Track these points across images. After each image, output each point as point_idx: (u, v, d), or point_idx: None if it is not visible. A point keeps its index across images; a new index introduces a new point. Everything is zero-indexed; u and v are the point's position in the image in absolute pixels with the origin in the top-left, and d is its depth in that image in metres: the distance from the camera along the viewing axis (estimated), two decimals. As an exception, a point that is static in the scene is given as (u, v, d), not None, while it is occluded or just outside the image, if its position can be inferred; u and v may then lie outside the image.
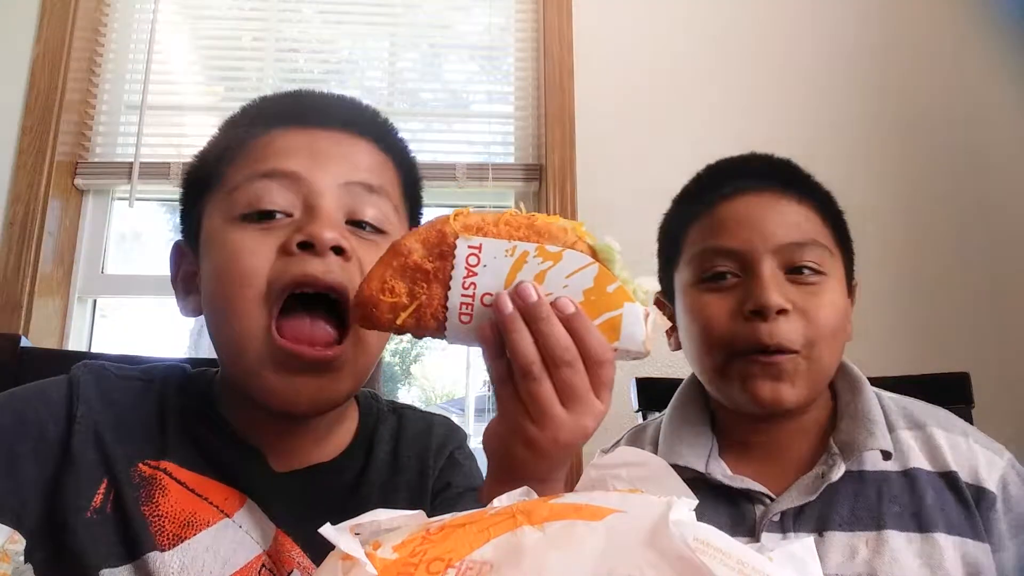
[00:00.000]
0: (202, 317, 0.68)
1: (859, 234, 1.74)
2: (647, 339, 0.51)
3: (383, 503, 0.65)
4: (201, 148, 0.72)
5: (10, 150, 1.63)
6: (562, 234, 0.51)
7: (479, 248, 0.50)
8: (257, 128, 0.66)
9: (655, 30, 1.83)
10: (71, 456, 0.60)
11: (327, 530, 0.33)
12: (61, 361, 1.10)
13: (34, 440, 0.60)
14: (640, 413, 1.14)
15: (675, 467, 0.61)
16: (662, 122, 1.77)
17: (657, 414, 0.95)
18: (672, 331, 0.89)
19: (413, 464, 0.71)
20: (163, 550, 0.59)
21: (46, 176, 1.62)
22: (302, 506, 0.63)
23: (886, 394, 0.83)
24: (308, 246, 0.59)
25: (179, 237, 0.72)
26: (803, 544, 0.31)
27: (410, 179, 0.73)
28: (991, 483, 0.73)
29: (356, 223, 0.64)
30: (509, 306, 0.49)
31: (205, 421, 0.66)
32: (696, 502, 0.28)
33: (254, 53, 1.89)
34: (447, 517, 0.33)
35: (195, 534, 0.60)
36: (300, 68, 1.90)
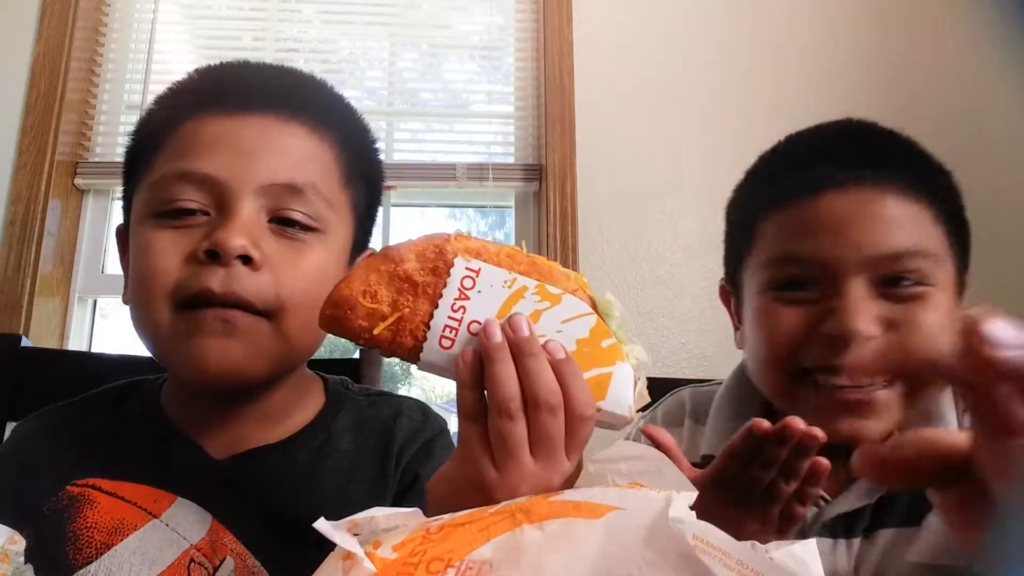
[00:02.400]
0: None
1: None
2: (632, 406, 0.48)
3: (341, 491, 0.64)
4: (135, 126, 0.69)
5: (10, 150, 1.63)
6: (564, 279, 0.48)
7: (477, 272, 0.47)
8: (180, 111, 0.62)
9: (655, 30, 1.83)
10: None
11: (323, 526, 0.32)
12: (61, 361, 1.11)
13: None
14: (639, 413, 1.14)
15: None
16: (662, 122, 1.77)
17: (696, 386, 0.86)
18: (739, 327, 0.78)
19: (377, 453, 0.68)
20: (89, 562, 0.58)
21: (46, 176, 1.62)
22: (237, 492, 0.62)
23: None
24: (214, 255, 0.57)
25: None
26: (804, 545, 0.31)
27: (355, 155, 0.68)
28: None
29: (283, 220, 0.60)
30: (499, 335, 0.45)
31: (147, 426, 0.66)
32: (695, 494, 0.28)
33: (254, 53, 1.88)
34: (447, 516, 0.33)
35: (122, 540, 0.59)
36: (300, 68, 1.90)
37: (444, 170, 1.78)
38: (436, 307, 0.47)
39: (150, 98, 1.70)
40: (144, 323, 0.60)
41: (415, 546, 0.31)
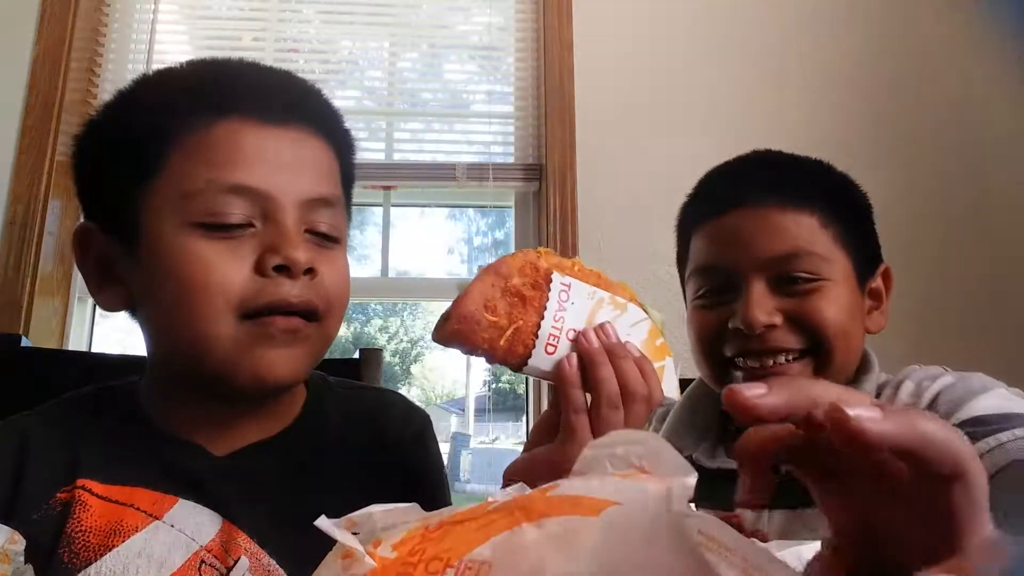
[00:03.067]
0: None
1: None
2: (676, 388, 0.59)
3: (344, 481, 0.65)
4: (111, 107, 0.65)
5: (10, 150, 1.63)
6: (619, 289, 0.58)
7: (569, 287, 0.55)
8: (205, 113, 0.60)
9: (655, 30, 1.83)
10: None
11: (323, 523, 0.32)
12: (61, 361, 1.11)
13: None
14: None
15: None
16: (662, 122, 1.77)
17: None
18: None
19: (371, 443, 0.70)
20: (89, 563, 0.57)
21: (46, 176, 1.62)
22: (245, 488, 0.62)
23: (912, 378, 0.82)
24: (283, 268, 0.59)
25: (82, 218, 0.66)
26: (810, 547, 0.31)
27: (348, 164, 0.70)
28: None
29: (312, 233, 0.63)
30: (596, 341, 0.54)
31: (133, 429, 0.64)
32: (696, 476, 0.28)
33: (254, 53, 1.88)
34: (446, 513, 0.33)
35: (123, 541, 0.58)
36: (300, 68, 1.90)
37: (444, 170, 1.78)
38: (542, 318, 0.54)
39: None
40: (195, 333, 0.58)
41: (414, 544, 0.31)
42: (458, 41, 1.95)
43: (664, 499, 0.28)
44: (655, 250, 1.70)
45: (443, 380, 2.21)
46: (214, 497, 0.61)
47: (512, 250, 1.79)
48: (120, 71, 1.80)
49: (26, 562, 0.56)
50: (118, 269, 0.63)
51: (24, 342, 0.95)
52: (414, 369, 2.22)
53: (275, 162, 0.60)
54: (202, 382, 0.62)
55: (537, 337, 0.54)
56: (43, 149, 1.63)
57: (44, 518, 0.59)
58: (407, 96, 1.92)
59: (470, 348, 0.54)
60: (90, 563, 0.57)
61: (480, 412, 1.87)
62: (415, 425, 0.74)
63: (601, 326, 0.55)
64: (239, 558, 0.59)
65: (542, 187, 1.74)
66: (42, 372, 0.93)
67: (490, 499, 0.34)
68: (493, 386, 1.91)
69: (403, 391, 2.08)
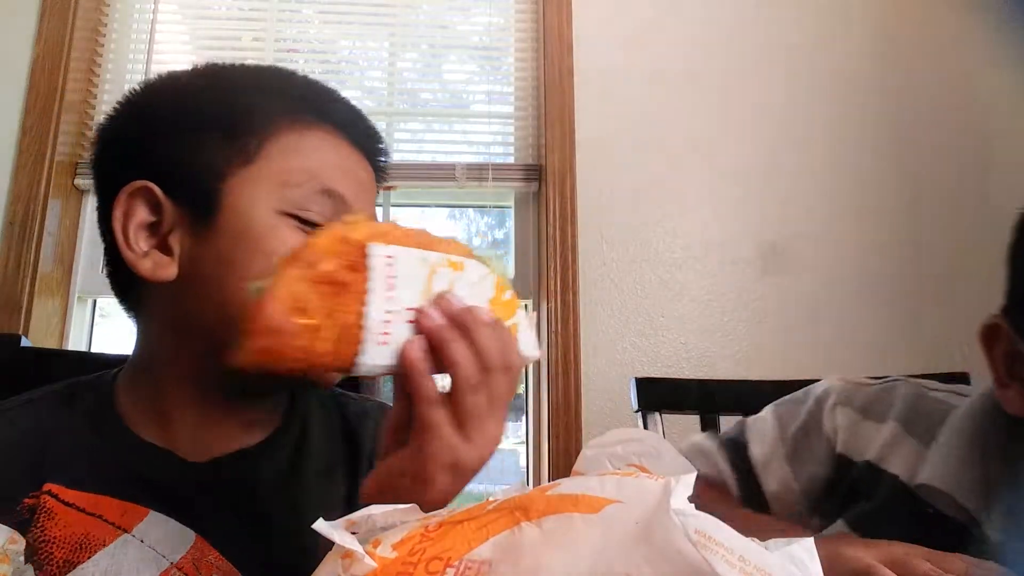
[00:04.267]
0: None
1: (859, 232, 1.75)
2: (537, 343, 0.50)
3: (324, 494, 0.63)
4: (197, 84, 0.66)
5: (10, 150, 1.63)
6: (447, 245, 0.47)
7: (394, 257, 0.44)
8: (307, 115, 0.63)
9: (655, 30, 1.83)
10: None
11: (322, 526, 0.32)
12: (61, 361, 1.10)
13: None
14: (640, 413, 1.14)
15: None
16: (662, 122, 1.77)
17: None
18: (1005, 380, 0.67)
19: (348, 455, 0.68)
20: None
21: (46, 176, 1.62)
22: (220, 502, 0.59)
23: None
24: None
25: (132, 176, 0.61)
26: (803, 545, 0.31)
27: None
28: None
29: None
30: (440, 316, 0.45)
31: (104, 431, 0.61)
32: (694, 476, 0.28)
33: (254, 53, 1.89)
34: (444, 513, 0.33)
35: (89, 557, 0.55)
36: (300, 68, 1.90)
37: (444, 170, 1.78)
38: (366, 303, 0.43)
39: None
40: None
41: (414, 544, 0.31)
42: (458, 41, 1.95)
43: (664, 498, 0.28)
44: (655, 250, 1.70)
45: (441, 380, 2.20)
46: (187, 510, 0.58)
47: (512, 251, 1.80)
48: (120, 71, 1.80)
49: (26, 562, 0.56)
50: (172, 238, 0.60)
51: (24, 342, 0.94)
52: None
53: (356, 179, 0.64)
54: (218, 367, 0.55)
55: (364, 329, 0.43)
56: (43, 149, 1.63)
57: (11, 525, 0.55)
58: (407, 96, 1.92)
59: (284, 366, 0.42)
60: None
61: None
62: None
63: (442, 296, 0.45)
64: None
65: (542, 187, 1.74)
66: (42, 372, 0.93)
67: (490, 499, 0.34)
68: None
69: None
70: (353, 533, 0.33)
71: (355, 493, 0.63)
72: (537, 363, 1.66)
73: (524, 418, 1.71)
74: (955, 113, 1.80)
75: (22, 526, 0.56)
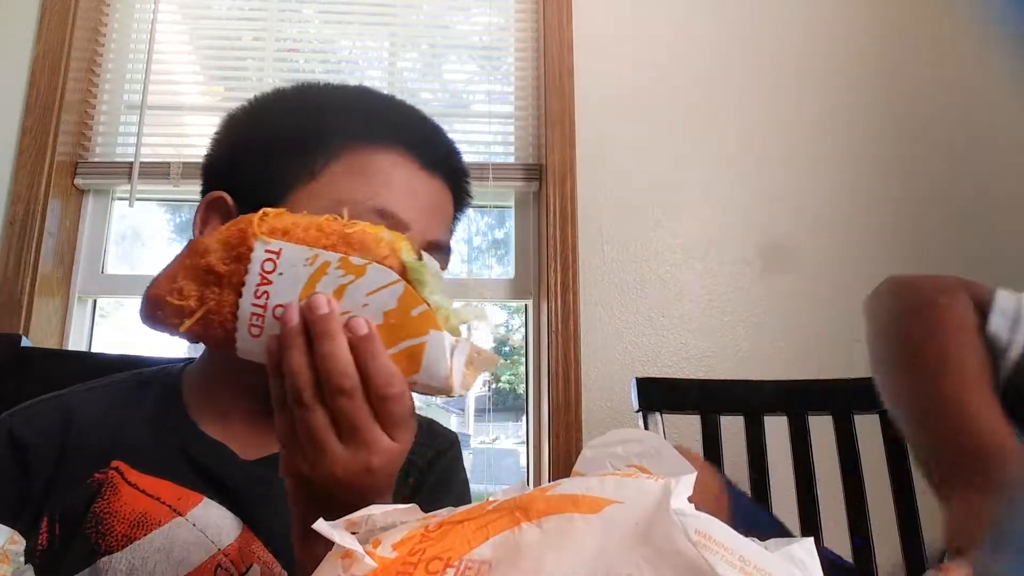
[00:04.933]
0: None
1: (859, 231, 1.75)
2: (452, 374, 0.45)
3: None
4: (276, 106, 0.70)
5: (10, 150, 1.63)
6: (375, 246, 0.46)
7: (278, 253, 0.45)
8: (368, 135, 0.65)
9: (655, 30, 1.83)
10: (23, 513, 0.60)
11: (322, 525, 0.32)
12: (61, 361, 1.10)
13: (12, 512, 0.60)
14: (640, 413, 1.14)
15: None
16: (662, 122, 1.77)
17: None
18: None
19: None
20: (112, 552, 0.58)
21: (46, 176, 1.62)
22: (268, 497, 0.62)
23: None
24: None
25: (211, 189, 0.68)
26: (803, 545, 0.31)
27: (459, 214, 0.75)
28: None
29: None
30: (295, 319, 0.44)
31: (170, 422, 0.66)
32: (695, 476, 0.28)
33: (254, 53, 1.89)
34: (444, 513, 0.33)
35: (146, 534, 0.59)
36: (300, 68, 1.90)
37: (444, 170, 1.77)
38: (240, 296, 0.46)
39: (150, 98, 1.72)
40: None
41: (414, 544, 0.31)
42: (458, 41, 1.95)
43: (664, 498, 0.28)
44: (656, 250, 1.70)
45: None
46: (237, 501, 0.62)
47: (512, 251, 1.80)
48: (120, 71, 1.80)
49: (26, 561, 0.56)
50: None
51: (24, 342, 0.95)
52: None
53: (418, 201, 0.65)
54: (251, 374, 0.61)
55: (237, 318, 0.46)
56: (43, 149, 1.63)
57: (80, 496, 0.61)
58: (407, 96, 1.91)
59: (168, 331, 0.48)
60: (112, 551, 0.58)
61: (480, 412, 1.87)
62: (431, 451, 0.74)
63: (312, 298, 0.44)
64: (251, 565, 0.60)
65: (542, 187, 1.74)
66: (42, 372, 0.93)
67: (490, 499, 0.34)
68: (493, 386, 1.91)
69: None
70: (353, 533, 0.33)
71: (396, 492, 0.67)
72: (537, 363, 1.66)
73: (524, 418, 1.71)
74: (955, 113, 1.80)
75: (90, 499, 0.61)
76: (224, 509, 0.62)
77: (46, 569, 0.58)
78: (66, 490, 0.61)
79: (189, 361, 0.72)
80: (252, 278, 0.45)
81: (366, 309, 0.45)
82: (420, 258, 0.47)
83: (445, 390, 0.45)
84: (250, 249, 0.45)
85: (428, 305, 0.45)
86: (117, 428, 0.65)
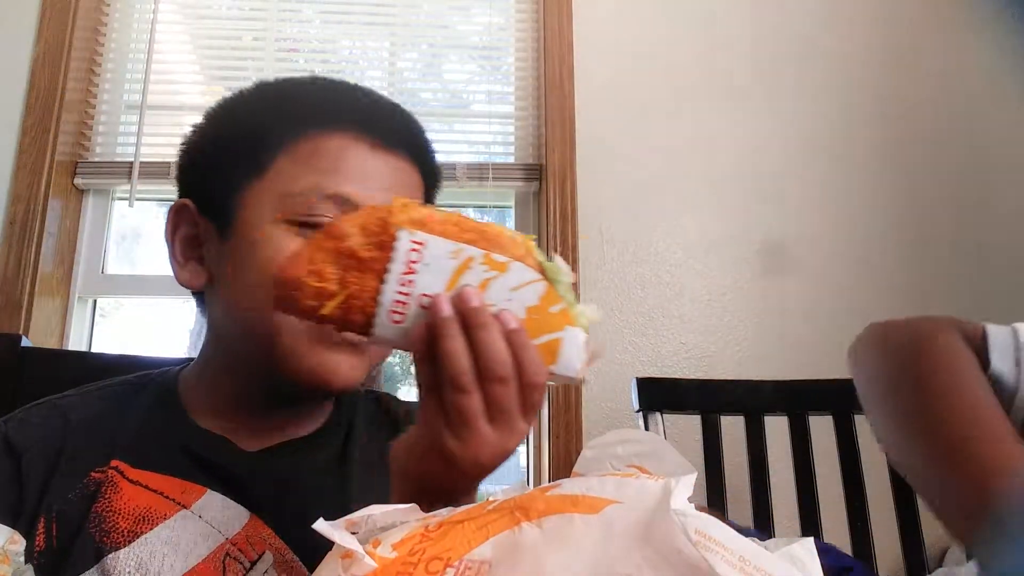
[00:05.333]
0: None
1: (859, 232, 1.75)
2: (583, 366, 0.49)
3: (369, 484, 0.65)
4: (229, 106, 0.69)
5: (10, 150, 1.63)
6: (512, 246, 0.48)
7: (422, 244, 0.47)
8: (319, 124, 0.64)
9: (655, 30, 1.83)
10: (21, 518, 0.60)
11: (322, 526, 0.32)
12: (61, 361, 1.10)
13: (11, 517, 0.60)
14: (640, 413, 1.14)
15: None
16: (662, 122, 1.77)
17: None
18: None
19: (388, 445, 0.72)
20: (118, 548, 0.58)
21: (46, 176, 1.62)
22: (276, 485, 0.63)
23: None
24: None
25: (177, 195, 0.70)
26: (803, 544, 0.31)
27: (432, 190, 0.73)
28: None
29: None
30: (448, 309, 0.47)
31: (170, 418, 0.66)
32: (694, 476, 0.28)
33: (254, 53, 1.89)
34: (444, 513, 0.33)
35: (151, 528, 0.59)
36: (300, 68, 1.90)
37: (444, 170, 1.76)
38: (383, 283, 0.47)
39: (150, 98, 1.72)
40: (264, 320, 0.60)
41: (414, 544, 0.31)
42: (458, 41, 1.95)
43: (664, 498, 0.28)
44: (656, 250, 1.70)
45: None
46: (242, 491, 0.62)
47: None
48: (120, 71, 1.80)
49: (28, 562, 0.56)
50: (204, 249, 0.66)
51: (24, 342, 0.95)
52: (414, 369, 2.21)
53: (375, 182, 0.63)
54: (260, 373, 0.64)
55: (379, 304, 0.47)
56: (43, 149, 1.63)
57: (78, 496, 0.61)
58: (407, 96, 1.92)
59: (302, 316, 0.49)
60: (119, 547, 0.58)
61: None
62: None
63: (462, 290, 0.47)
64: (263, 553, 0.60)
65: (542, 187, 1.74)
66: (42, 372, 0.93)
67: (490, 499, 0.34)
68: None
69: (403, 391, 2.07)
70: (353, 533, 0.33)
71: None
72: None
73: (524, 418, 1.72)
74: (958, 113, 1.80)
75: (90, 498, 0.61)
76: (229, 500, 0.62)
77: (49, 569, 0.58)
78: (63, 491, 0.61)
79: (185, 363, 0.72)
80: (397, 267, 0.47)
81: (510, 304, 0.48)
82: (550, 259, 0.49)
83: (575, 381, 0.49)
84: (393, 238, 0.46)
85: (565, 303, 0.48)
86: (115, 429, 0.65)
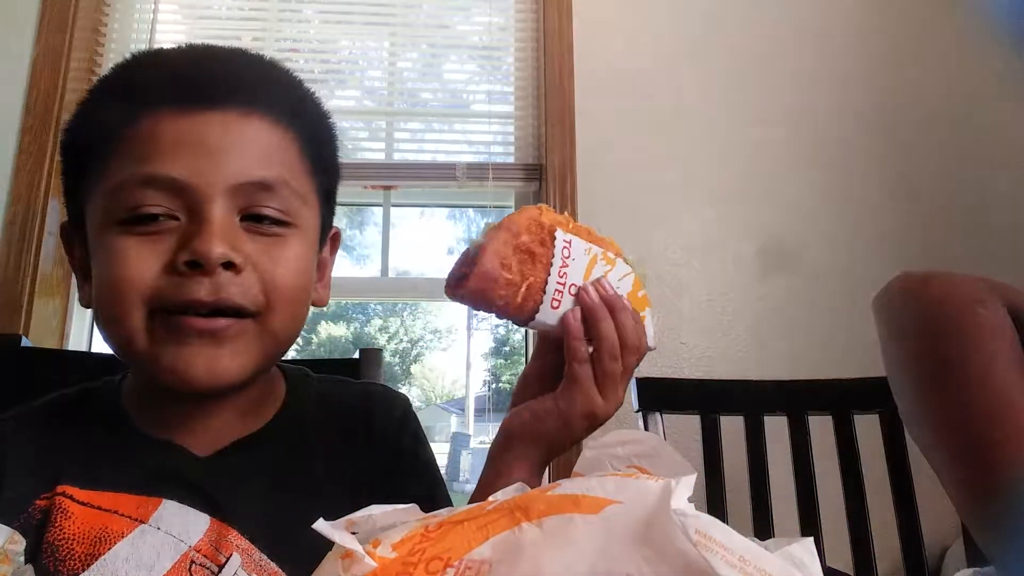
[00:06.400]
0: None
1: (859, 231, 1.75)
2: (654, 336, 0.62)
3: (330, 471, 0.64)
4: (76, 110, 0.64)
5: (10, 150, 1.63)
6: (610, 245, 0.60)
7: (570, 243, 0.57)
8: (130, 109, 0.58)
9: (655, 30, 1.83)
10: None
11: (322, 526, 0.32)
12: (61, 361, 1.11)
13: None
14: (640, 413, 1.14)
15: None
16: (662, 122, 1.77)
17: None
18: None
19: (357, 433, 0.69)
20: (76, 574, 0.55)
21: (46, 176, 1.62)
22: (232, 485, 0.61)
23: None
24: (196, 265, 0.55)
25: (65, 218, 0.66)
26: (802, 544, 0.31)
27: (318, 143, 0.66)
28: None
29: (255, 216, 0.59)
30: (597, 296, 0.57)
31: (114, 431, 0.63)
32: (694, 477, 0.28)
33: (254, 53, 1.89)
34: (444, 513, 0.33)
35: (109, 548, 0.57)
36: (300, 68, 1.90)
37: (444, 170, 1.78)
38: (549, 274, 0.56)
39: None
40: (116, 330, 0.58)
41: (414, 545, 0.31)
42: (458, 41, 1.96)
43: (664, 498, 0.28)
44: (656, 250, 1.70)
45: (443, 380, 2.21)
46: (200, 495, 0.60)
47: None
48: (120, 71, 1.80)
49: (26, 562, 0.56)
50: (88, 266, 0.62)
51: (24, 342, 0.95)
52: (414, 369, 2.22)
53: (197, 149, 0.57)
54: (146, 379, 0.62)
55: (545, 293, 0.56)
56: (43, 149, 1.63)
57: (23, 527, 0.57)
58: (407, 96, 1.92)
59: (486, 306, 0.55)
60: (77, 573, 0.56)
61: (480, 412, 1.87)
62: (397, 410, 0.72)
63: (599, 281, 0.58)
64: (231, 555, 0.58)
65: (542, 187, 1.74)
66: (42, 372, 0.93)
67: (490, 499, 0.34)
68: (493, 386, 1.91)
69: (403, 391, 2.08)
70: (353, 533, 0.33)
71: (368, 468, 0.67)
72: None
73: (524, 418, 1.71)
74: (958, 113, 1.80)
75: (38, 528, 0.57)
76: (187, 507, 0.59)
77: None
78: (6, 521, 0.56)
79: (127, 372, 0.68)
80: (558, 260, 0.56)
81: (618, 290, 0.59)
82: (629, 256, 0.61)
83: (653, 348, 0.61)
84: (552, 236, 0.56)
85: (645, 290, 0.62)
86: (60, 448, 0.61)
